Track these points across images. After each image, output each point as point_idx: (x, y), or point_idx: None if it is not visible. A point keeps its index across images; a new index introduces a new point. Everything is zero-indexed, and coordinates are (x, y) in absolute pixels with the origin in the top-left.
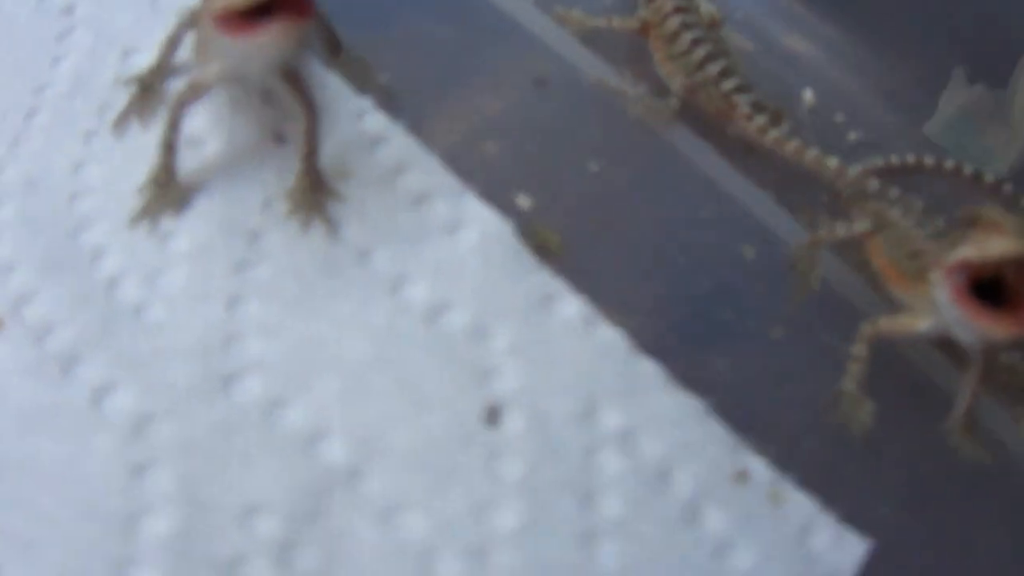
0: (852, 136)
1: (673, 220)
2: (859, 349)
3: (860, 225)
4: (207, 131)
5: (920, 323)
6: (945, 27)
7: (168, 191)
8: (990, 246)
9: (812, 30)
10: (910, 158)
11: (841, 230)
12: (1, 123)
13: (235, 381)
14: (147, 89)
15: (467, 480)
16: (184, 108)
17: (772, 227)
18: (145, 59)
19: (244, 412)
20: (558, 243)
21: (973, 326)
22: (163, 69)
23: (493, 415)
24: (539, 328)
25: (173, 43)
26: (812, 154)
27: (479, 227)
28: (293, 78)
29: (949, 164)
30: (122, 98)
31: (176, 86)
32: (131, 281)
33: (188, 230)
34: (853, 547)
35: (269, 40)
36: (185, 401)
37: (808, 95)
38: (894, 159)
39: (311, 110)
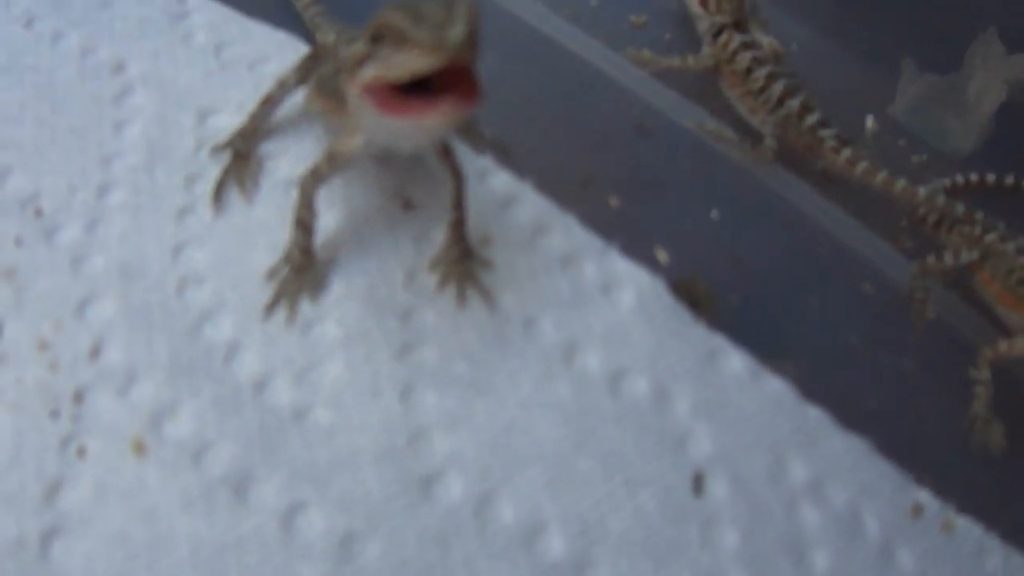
0: (915, 159)
1: (796, 261)
2: (982, 373)
3: (966, 255)
4: (323, 204)
5: None
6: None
7: (305, 274)
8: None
9: (864, 58)
10: (973, 177)
11: (949, 259)
12: (68, 201)
13: (435, 482)
14: (241, 156)
15: (688, 557)
16: (321, 184)
17: (883, 262)
18: (225, 121)
19: (453, 515)
20: (707, 295)
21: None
22: (256, 132)
23: (698, 484)
24: (713, 386)
25: (270, 104)
26: (901, 184)
27: (633, 286)
28: (443, 146)
29: (1009, 180)
30: (212, 168)
31: (266, 149)
32: (281, 381)
33: (333, 315)
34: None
35: (434, 123)
36: (386, 512)
37: (870, 122)
38: (960, 179)
39: (459, 176)
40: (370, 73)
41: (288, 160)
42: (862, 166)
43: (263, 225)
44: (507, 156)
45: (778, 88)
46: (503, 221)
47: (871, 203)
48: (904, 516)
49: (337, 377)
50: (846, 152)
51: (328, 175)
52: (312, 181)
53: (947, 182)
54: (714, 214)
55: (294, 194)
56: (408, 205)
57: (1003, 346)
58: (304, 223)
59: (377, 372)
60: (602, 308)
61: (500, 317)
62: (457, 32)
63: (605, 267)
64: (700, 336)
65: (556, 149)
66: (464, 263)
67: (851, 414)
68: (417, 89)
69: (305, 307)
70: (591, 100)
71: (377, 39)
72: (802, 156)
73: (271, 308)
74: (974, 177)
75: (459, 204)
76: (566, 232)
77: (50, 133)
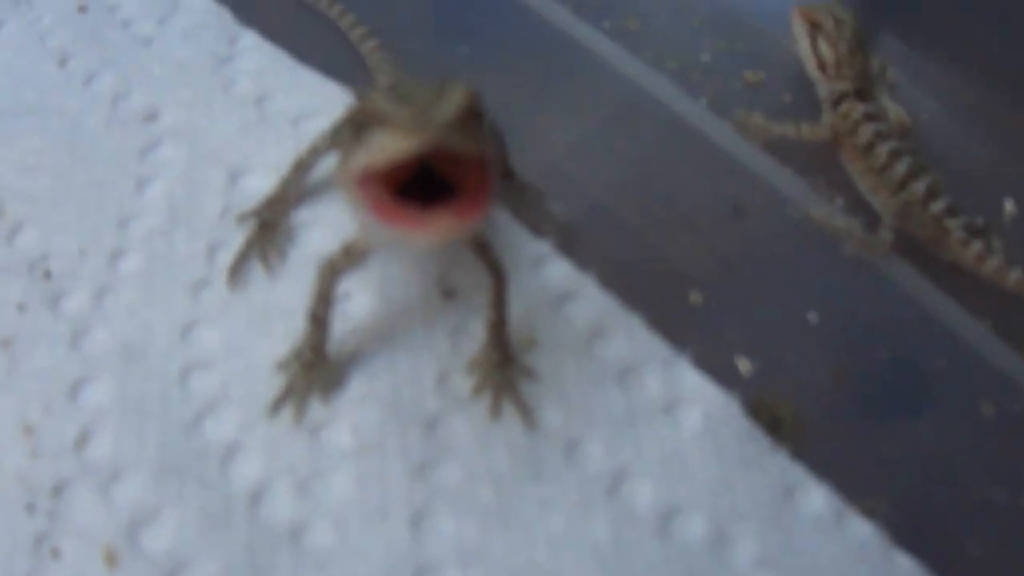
0: None
1: (906, 374)
2: None
3: None
4: (356, 284)
5: None
6: None
7: (316, 371)
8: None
9: (1004, 132)
10: None
11: None
12: (78, 264)
13: None
14: (268, 226)
15: None
16: (339, 276)
17: (1012, 377)
18: (258, 183)
19: None
20: (791, 417)
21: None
22: (286, 200)
23: None
24: (786, 529)
25: (302, 171)
26: None
27: (701, 404)
28: (477, 238)
29: None
30: (237, 236)
31: (299, 218)
32: (280, 492)
33: (347, 419)
34: None
35: (427, 234)
36: None
37: (1008, 205)
38: None
39: (499, 273)
40: (356, 163)
41: (321, 231)
42: (994, 263)
43: (284, 306)
44: (573, 241)
45: (902, 167)
46: (555, 321)
47: (1003, 305)
48: None
49: (343, 493)
50: (976, 246)
51: (347, 268)
52: (329, 273)
53: None
54: (812, 316)
55: None
56: (450, 294)
57: None
58: (318, 318)
59: (389, 490)
60: (661, 430)
61: (539, 435)
62: (443, 111)
63: (671, 380)
64: (777, 468)
65: (631, 231)
66: (504, 370)
67: (952, 564)
68: (422, 190)
69: (316, 408)
70: (681, 172)
71: (362, 124)
72: (925, 247)
73: (278, 405)
74: None
75: (498, 304)
76: (628, 336)
77: (67, 186)
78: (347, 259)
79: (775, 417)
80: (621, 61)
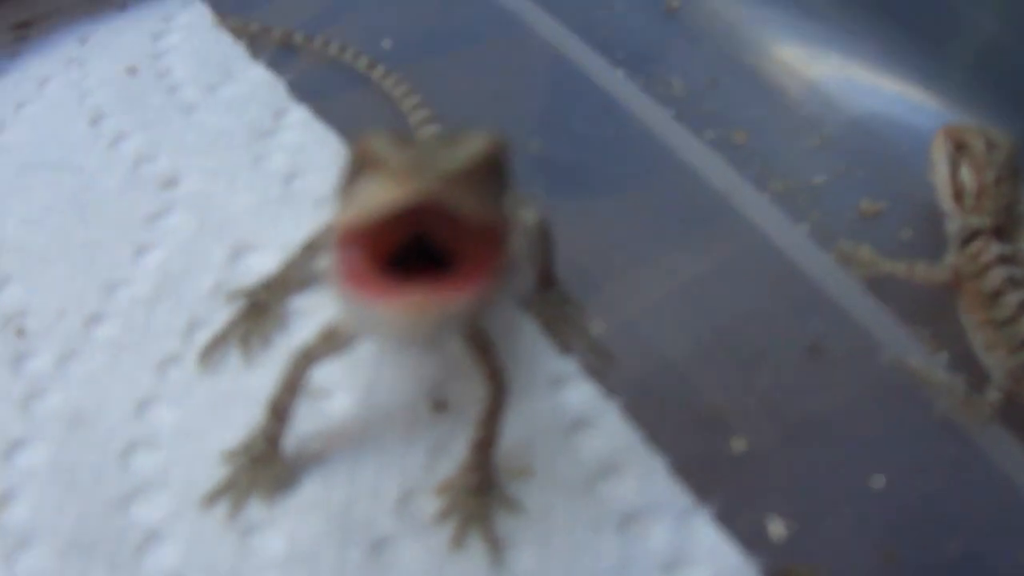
0: None
1: (978, 569)
2: None
3: None
4: (338, 380)
5: None
6: None
7: (265, 468)
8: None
9: None
10: None
11: None
12: (53, 325)
13: None
14: (259, 308)
15: None
16: (313, 364)
17: None
18: (263, 262)
19: None
20: None
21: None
22: (287, 284)
23: None
24: None
25: (311, 251)
26: None
27: (711, 566)
28: (478, 335)
29: None
30: (222, 315)
31: (297, 305)
32: None
33: (285, 526)
34: None
35: (403, 311)
36: None
37: None
38: None
39: (498, 383)
40: (338, 219)
41: (318, 322)
42: None
43: (253, 396)
44: (605, 364)
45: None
46: (560, 451)
47: None
48: None
49: None
50: None
51: (324, 356)
52: (302, 360)
53: None
54: (877, 481)
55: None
56: (441, 406)
57: None
58: (279, 408)
59: None
60: None
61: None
62: (448, 159)
63: (681, 534)
64: None
65: (681, 360)
66: (481, 497)
67: None
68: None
69: (255, 507)
70: (760, 302)
71: (357, 173)
72: None
73: (213, 497)
74: None
75: (491, 420)
76: (643, 478)
77: (64, 244)
78: (325, 345)
79: None
80: (717, 173)
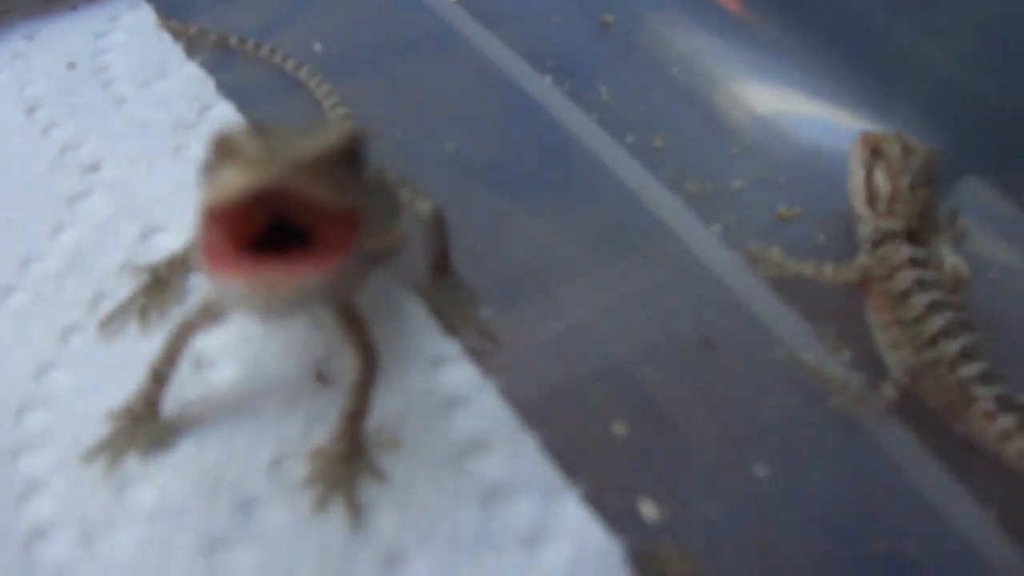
0: None
1: (860, 557)
2: None
3: None
4: (223, 350)
5: None
6: None
7: (143, 428)
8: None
9: None
10: None
11: None
12: None
13: None
14: (160, 283)
15: None
16: (193, 334)
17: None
18: (170, 242)
19: None
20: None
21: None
22: (187, 262)
23: None
24: None
25: None
26: None
27: (573, 543)
28: (347, 312)
29: None
30: (127, 289)
31: (199, 282)
32: (64, 536)
33: (158, 481)
34: None
35: (259, 287)
36: None
37: None
38: None
39: (368, 358)
40: (200, 202)
41: None
42: (1019, 444)
43: (145, 362)
44: (490, 348)
45: (938, 322)
46: (430, 426)
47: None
48: None
49: (122, 552)
50: (1003, 421)
51: (200, 326)
52: (184, 330)
53: None
54: (760, 469)
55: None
56: (324, 379)
57: None
58: (159, 374)
59: (169, 561)
60: (512, 563)
61: (361, 541)
62: (300, 148)
63: (546, 511)
64: None
65: (572, 350)
66: (347, 464)
67: None
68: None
69: (131, 464)
70: (663, 296)
71: (220, 158)
72: (940, 416)
73: (94, 453)
74: None
75: (361, 391)
76: (513, 456)
77: None
78: (201, 317)
79: (667, 572)
80: (632, 175)
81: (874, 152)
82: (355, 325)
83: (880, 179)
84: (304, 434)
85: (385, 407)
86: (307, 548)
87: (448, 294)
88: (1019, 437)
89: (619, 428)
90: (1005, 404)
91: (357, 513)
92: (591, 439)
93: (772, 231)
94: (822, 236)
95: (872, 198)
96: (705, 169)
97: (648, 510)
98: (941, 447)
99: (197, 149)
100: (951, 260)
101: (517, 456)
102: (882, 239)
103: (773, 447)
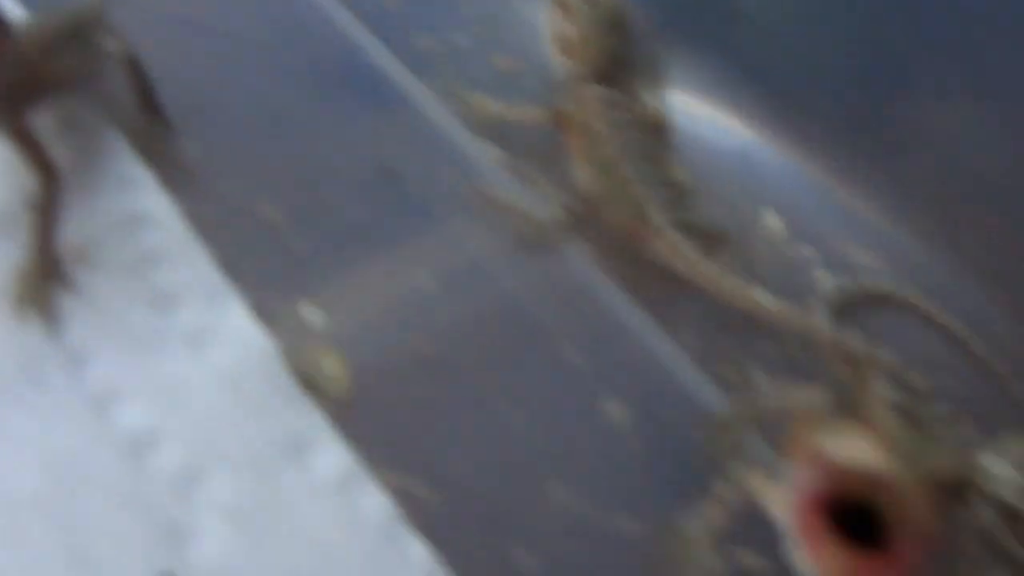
0: (822, 275)
1: (516, 357)
2: None
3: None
4: None
5: None
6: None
7: None
8: (858, 449)
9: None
10: (868, 285)
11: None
12: None
13: None
14: None
15: None
16: None
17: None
18: None
19: None
20: (341, 377)
21: (811, 562)
22: None
23: None
24: (274, 482)
25: None
26: (759, 298)
27: (233, 343)
28: (18, 130)
29: (911, 295)
30: None
31: None
32: None
33: None
34: None
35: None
36: None
37: (772, 220)
38: (857, 287)
39: (48, 175)
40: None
41: None
42: (690, 257)
43: None
44: (183, 177)
45: (618, 155)
46: (116, 242)
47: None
48: None
49: None
50: (676, 238)
51: None
52: None
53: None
54: (425, 279)
55: None
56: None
57: None
58: None
59: None
60: (179, 362)
61: (51, 346)
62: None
63: (212, 315)
64: (294, 423)
65: (263, 174)
66: (43, 279)
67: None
68: None
69: None
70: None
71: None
72: (628, 243)
73: None
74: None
75: (45, 208)
76: (186, 266)
77: None
78: None
79: (320, 372)
80: (355, 32)
81: (562, 6)
82: (25, 139)
83: (567, 27)
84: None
85: (78, 225)
86: (5, 355)
87: (151, 129)
88: (689, 251)
89: (295, 240)
90: (685, 227)
91: (50, 321)
92: (259, 251)
93: (492, 86)
94: (540, 86)
95: (564, 46)
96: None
97: (309, 314)
98: (628, 273)
99: None
100: (651, 104)
101: (188, 266)
102: (576, 83)
103: (441, 262)
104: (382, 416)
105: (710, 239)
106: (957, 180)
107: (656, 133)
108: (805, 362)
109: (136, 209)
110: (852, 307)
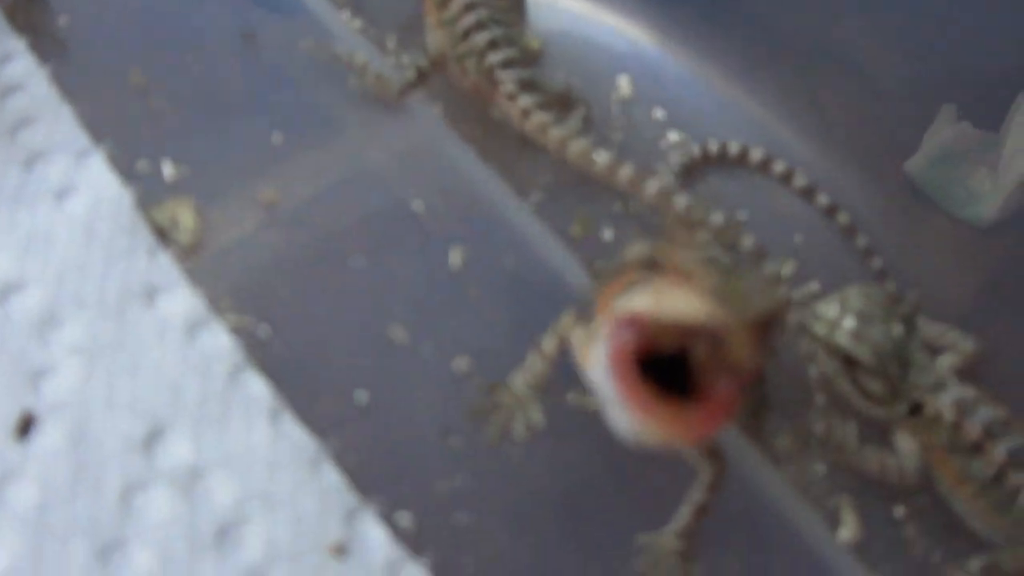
0: (673, 138)
1: (400, 214)
2: None
3: None
4: None
5: None
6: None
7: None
8: (672, 301)
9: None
10: (713, 146)
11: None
12: None
13: None
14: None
15: None
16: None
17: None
18: None
19: None
20: (194, 228)
21: (628, 417)
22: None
23: (24, 427)
24: (126, 325)
25: None
26: (602, 158)
27: (93, 194)
28: None
29: (756, 155)
30: None
31: None
32: None
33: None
34: None
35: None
36: None
37: (623, 83)
38: (696, 150)
39: None
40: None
41: None
42: (536, 118)
43: None
44: (55, 46)
45: (470, 19)
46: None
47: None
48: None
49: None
50: (524, 100)
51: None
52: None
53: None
54: (276, 138)
55: None
56: None
57: None
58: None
59: None
60: (40, 214)
61: None
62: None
63: (75, 170)
64: (145, 268)
65: (131, 52)
66: None
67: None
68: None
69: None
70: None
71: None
72: (476, 101)
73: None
74: (713, 147)
75: None
76: (53, 126)
77: None
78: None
79: (171, 219)
80: None
81: None
82: None
83: None
84: None
85: None
86: None
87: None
88: (538, 113)
89: (159, 104)
90: (529, 87)
91: None
92: (124, 113)
93: None
94: None
95: None
96: None
97: (167, 169)
98: (477, 133)
99: None
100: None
101: (54, 126)
102: None
103: (294, 121)
104: (232, 264)
105: (561, 103)
106: (808, 49)
107: (508, 11)
108: (652, 220)
109: (10, 77)
110: (698, 169)
